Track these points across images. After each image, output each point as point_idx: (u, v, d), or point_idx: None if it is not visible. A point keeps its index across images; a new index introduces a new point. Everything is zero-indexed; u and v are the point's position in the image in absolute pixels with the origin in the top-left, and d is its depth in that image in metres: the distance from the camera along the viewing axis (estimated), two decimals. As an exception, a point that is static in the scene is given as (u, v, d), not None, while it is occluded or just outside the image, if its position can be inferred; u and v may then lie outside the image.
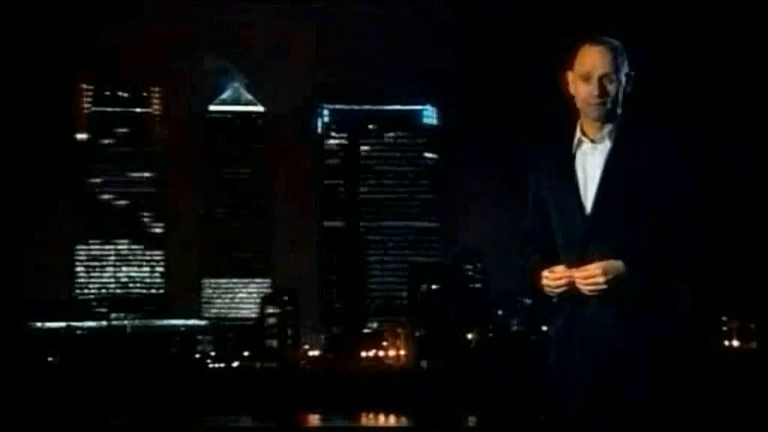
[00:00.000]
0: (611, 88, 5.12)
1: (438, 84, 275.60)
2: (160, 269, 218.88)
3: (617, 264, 5.01)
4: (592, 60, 5.13)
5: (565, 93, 5.22)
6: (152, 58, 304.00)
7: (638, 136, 5.14)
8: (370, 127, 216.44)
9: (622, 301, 5.03)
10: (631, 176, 5.08)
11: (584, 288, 5.05)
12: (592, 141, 5.19)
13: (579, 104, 5.18)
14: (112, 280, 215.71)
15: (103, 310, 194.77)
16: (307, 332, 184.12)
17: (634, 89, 5.19)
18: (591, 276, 5.03)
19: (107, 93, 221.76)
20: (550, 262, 5.17)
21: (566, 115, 5.23)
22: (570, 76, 5.20)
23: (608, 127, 5.17)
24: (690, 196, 5.08)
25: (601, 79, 5.11)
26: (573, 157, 5.22)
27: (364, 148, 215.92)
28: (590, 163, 5.18)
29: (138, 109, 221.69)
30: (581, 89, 5.15)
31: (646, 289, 5.02)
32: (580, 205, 5.15)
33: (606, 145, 5.16)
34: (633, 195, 5.06)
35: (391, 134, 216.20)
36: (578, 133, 5.22)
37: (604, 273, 5.01)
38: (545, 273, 5.14)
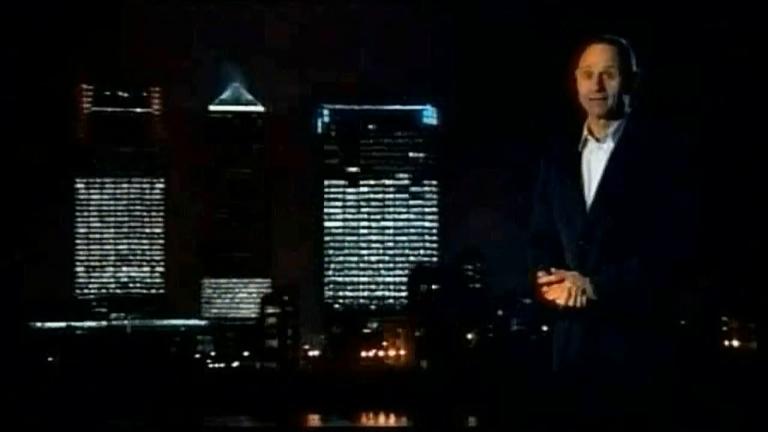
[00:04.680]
0: (612, 84, 5.13)
1: (438, 84, 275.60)
2: (160, 269, 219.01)
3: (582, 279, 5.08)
4: (593, 56, 5.15)
5: (573, 92, 5.24)
6: (152, 58, 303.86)
7: (642, 136, 5.13)
8: (370, 127, 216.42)
9: (619, 309, 5.04)
10: (632, 177, 5.07)
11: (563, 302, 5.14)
12: (597, 140, 5.19)
13: (582, 101, 5.20)
14: (112, 280, 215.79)
15: (103, 310, 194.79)
16: (307, 332, 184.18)
17: (645, 89, 5.19)
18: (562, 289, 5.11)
19: (107, 93, 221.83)
20: (555, 264, 5.19)
21: (574, 113, 5.24)
22: (576, 74, 5.23)
23: (613, 126, 5.17)
24: (690, 198, 5.08)
25: (601, 75, 5.13)
26: (579, 156, 5.23)
27: (364, 148, 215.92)
28: (594, 161, 5.18)
29: (138, 109, 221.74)
30: (583, 85, 5.17)
31: (643, 295, 5.03)
32: (582, 204, 5.15)
33: (610, 144, 5.16)
34: (633, 196, 5.06)
35: (391, 134, 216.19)
36: (585, 132, 5.23)
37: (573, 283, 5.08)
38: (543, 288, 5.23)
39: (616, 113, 5.17)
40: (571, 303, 5.08)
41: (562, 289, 5.10)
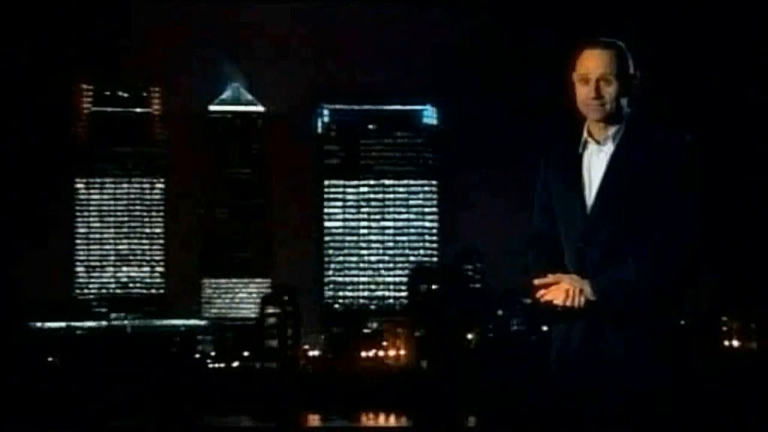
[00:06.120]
0: (609, 90, 5.12)
1: (438, 84, 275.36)
2: (160, 269, 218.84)
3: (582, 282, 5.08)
4: (590, 62, 5.14)
5: (570, 95, 5.23)
6: (152, 58, 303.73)
7: (643, 138, 5.13)
8: (370, 127, 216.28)
9: (619, 310, 5.04)
10: (633, 179, 5.07)
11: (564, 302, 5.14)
12: (598, 142, 5.19)
13: (579, 106, 5.19)
14: (112, 280, 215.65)
15: (103, 310, 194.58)
16: (307, 332, 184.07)
17: (645, 91, 5.18)
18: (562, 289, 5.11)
19: (107, 93, 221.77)
20: (554, 265, 5.19)
21: (575, 115, 5.23)
22: (573, 78, 5.22)
23: (613, 129, 5.17)
24: (691, 200, 5.07)
25: (598, 81, 5.12)
26: (580, 158, 5.22)
27: (364, 148, 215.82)
28: (594, 164, 5.18)
29: (138, 109, 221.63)
30: (580, 92, 5.17)
31: (643, 296, 5.03)
32: (582, 207, 5.15)
33: (610, 147, 5.16)
34: (633, 198, 5.06)
35: (391, 134, 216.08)
36: (585, 134, 5.22)
37: (570, 284, 5.09)
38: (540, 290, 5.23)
39: (615, 117, 5.16)
40: (568, 303, 5.08)
41: (560, 289, 5.10)
